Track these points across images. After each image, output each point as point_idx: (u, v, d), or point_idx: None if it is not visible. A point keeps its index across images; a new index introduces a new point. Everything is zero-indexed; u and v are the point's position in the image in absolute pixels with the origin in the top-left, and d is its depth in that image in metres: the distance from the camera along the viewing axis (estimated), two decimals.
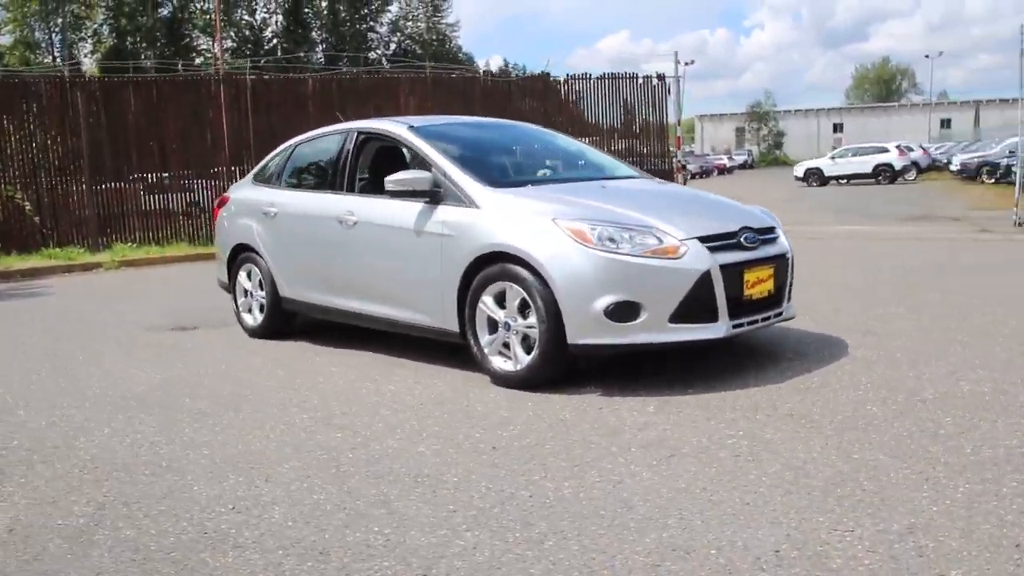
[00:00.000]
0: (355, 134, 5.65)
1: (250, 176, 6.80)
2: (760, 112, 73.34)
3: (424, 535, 2.72)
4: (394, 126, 5.46)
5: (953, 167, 30.07)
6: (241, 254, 6.43)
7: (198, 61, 52.99)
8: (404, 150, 5.46)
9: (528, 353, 4.40)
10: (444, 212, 4.77)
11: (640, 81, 16.93)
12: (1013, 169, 22.09)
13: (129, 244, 12.82)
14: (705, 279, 4.15)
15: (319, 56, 62.34)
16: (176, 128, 13.71)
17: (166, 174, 13.71)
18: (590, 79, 16.75)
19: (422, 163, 5.08)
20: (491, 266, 4.50)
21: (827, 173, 33.06)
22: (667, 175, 15.99)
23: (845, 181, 32.47)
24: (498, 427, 3.82)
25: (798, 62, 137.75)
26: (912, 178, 31.98)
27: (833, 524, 2.68)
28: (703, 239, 4.27)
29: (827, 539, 2.58)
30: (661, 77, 17.11)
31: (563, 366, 4.38)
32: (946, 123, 60.85)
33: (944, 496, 2.85)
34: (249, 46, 58.86)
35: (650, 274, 4.13)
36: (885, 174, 31.60)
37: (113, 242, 12.80)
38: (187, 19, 57.67)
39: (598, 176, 5.46)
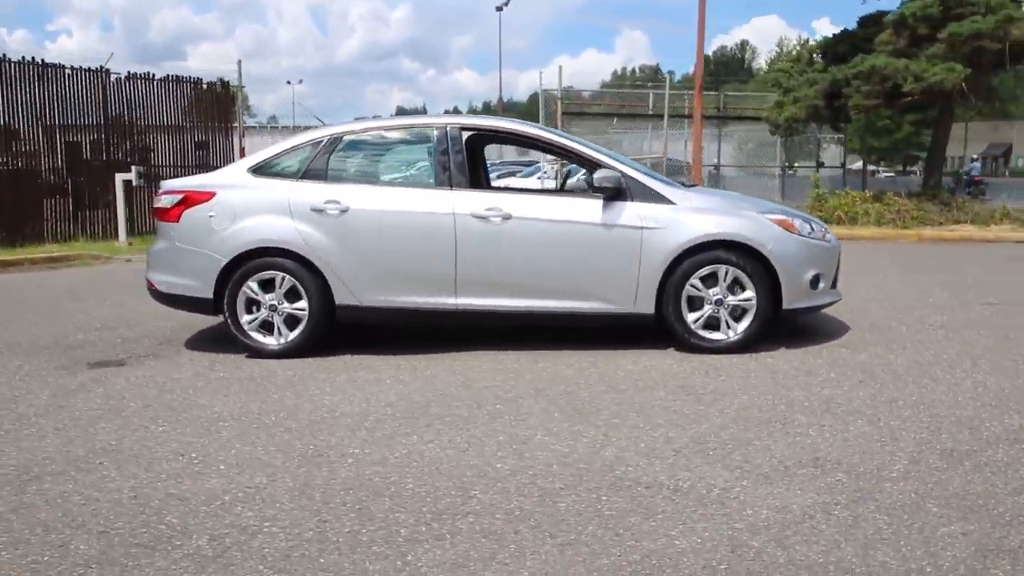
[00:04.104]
0: (458, 129, 5.56)
1: (242, 167, 5.76)
2: None
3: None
4: (528, 127, 5.87)
5: None
6: (252, 260, 5.46)
7: None
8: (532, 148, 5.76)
9: (737, 322, 5.40)
10: (639, 208, 5.41)
11: (204, 87, 16.19)
12: None
13: None
14: (839, 256, 5.82)
15: None
16: None
17: None
18: (152, 80, 15.34)
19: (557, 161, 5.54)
20: (701, 253, 5.34)
21: None
22: None
23: None
24: (795, 380, 4.89)
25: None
26: None
27: None
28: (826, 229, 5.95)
29: None
30: (225, 84, 16.65)
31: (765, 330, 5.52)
32: None
33: None
34: None
35: (825, 252, 5.73)
36: None
37: None
38: None
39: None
